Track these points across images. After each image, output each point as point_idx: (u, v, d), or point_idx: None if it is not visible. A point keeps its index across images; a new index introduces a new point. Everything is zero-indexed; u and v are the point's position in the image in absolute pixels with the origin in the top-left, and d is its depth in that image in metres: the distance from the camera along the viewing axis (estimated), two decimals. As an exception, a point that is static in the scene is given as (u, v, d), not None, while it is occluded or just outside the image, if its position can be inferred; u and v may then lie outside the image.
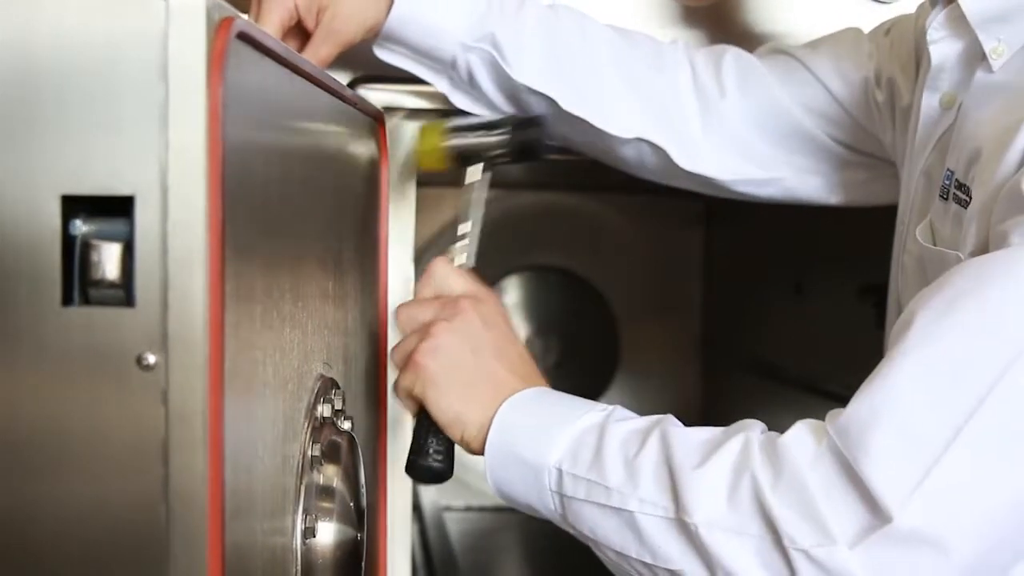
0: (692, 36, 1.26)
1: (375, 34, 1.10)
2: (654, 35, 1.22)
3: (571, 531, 0.91)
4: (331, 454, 0.84)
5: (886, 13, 1.26)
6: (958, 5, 0.92)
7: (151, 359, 0.59)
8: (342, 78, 1.15)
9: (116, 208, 0.59)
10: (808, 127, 1.16)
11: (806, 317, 1.84)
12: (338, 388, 0.89)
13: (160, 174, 0.59)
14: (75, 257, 0.60)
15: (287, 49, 0.76)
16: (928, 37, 0.97)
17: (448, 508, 2.12)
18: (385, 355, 1.11)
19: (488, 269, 2.25)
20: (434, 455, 1.00)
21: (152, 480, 0.59)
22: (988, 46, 0.91)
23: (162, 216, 0.59)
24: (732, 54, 1.18)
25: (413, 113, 1.22)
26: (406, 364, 0.98)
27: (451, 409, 0.96)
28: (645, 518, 0.84)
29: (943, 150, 0.95)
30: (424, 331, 0.98)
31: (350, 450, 0.87)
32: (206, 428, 0.59)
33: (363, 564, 0.87)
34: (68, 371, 0.60)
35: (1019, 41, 0.90)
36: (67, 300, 0.60)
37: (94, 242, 0.60)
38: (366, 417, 1.04)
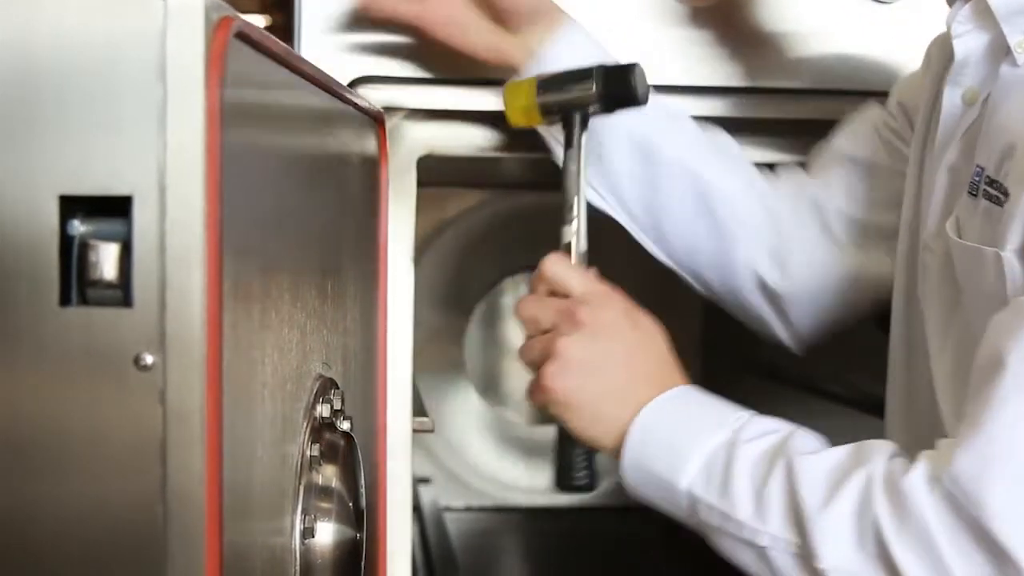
0: (694, 36, 1.26)
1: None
2: (655, 35, 1.22)
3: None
4: (330, 454, 0.84)
5: (886, 13, 1.26)
6: None
7: (149, 359, 0.59)
8: (342, 78, 1.15)
9: (114, 208, 0.59)
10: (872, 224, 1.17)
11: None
12: (337, 388, 0.89)
13: (158, 174, 0.59)
14: (73, 257, 0.60)
15: (286, 49, 0.76)
16: (952, 31, 0.96)
17: (448, 508, 2.12)
18: (385, 355, 1.11)
19: (488, 269, 2.26)
20: (578, 470, 1.03)
21: (150, 480, 0.59)
22: (1013, 40, 0.90)
23: (160, 216, 0.59)
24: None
25: (413, 113, 1.22)
26: (535, 388, 1.00)
27: (585, 432, 0.98)
28: (777, 554, 0.86)
29: (969, 146, 0.94)
30: (547, 346, 0.99)
31: (349, 450, 0.87)
32: (204, 428, 0.59)
33: (362, 564, 0.87)
34: (66, 371, 0.59)
35: None
36: (65, 300, 0.60)
37: (92, 242, 0.60)
38: (365, 417, 1.04)
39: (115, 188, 0.59)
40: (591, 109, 1.09)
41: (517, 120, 1.12)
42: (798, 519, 0.85)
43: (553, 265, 1.04)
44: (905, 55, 1.25)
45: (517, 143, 1.25)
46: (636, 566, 1.90)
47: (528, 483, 2.21)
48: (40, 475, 0.60)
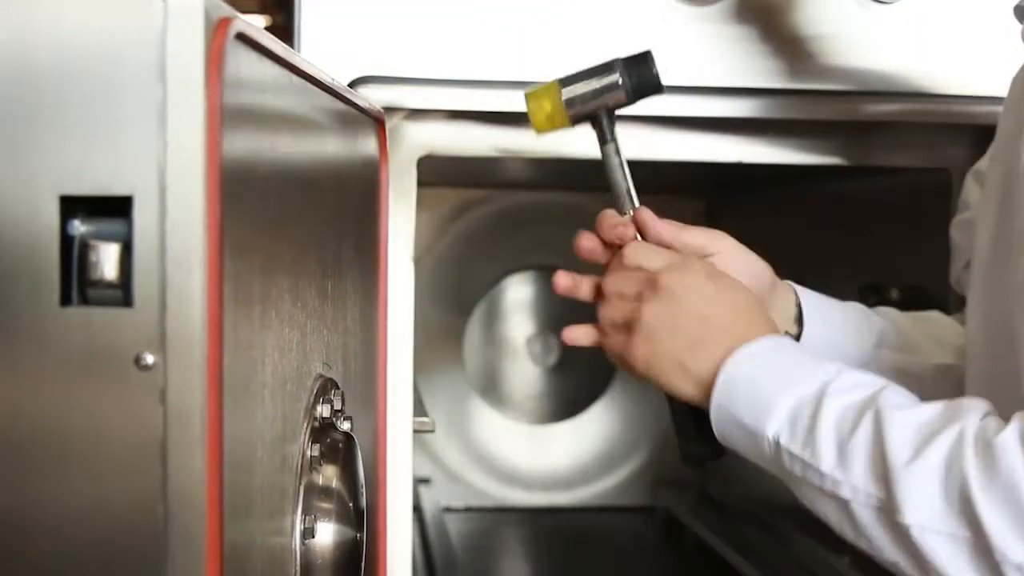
0: (694, 36, 1.26)
1: None
2: (656, 35, 1.22)
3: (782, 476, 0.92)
4: (330, 454, 0.84)
5: (886, 13, 1.26)
6: None
7: (149, 359, 0.59)
8: (343, 78, 1.15)
9: (114, 208, 0.59)
10: None
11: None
12: (337, 388, 0.89)
13: (158, 174, 0.59)
14: (73, 257, 0.60)
15: (286, 49, 0.76)
16: None
17: (449, 509, 2.12)
18: (385, 355, 1.11)
19: (488, 269, 2.26)
20: (696, 438, 1.02)
21: (150, 480, 0.59)
22: None
23: (160, 216, 0.59)
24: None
25: (413, 113, 1.22)
26: (625, 359, 1.00)
27: (678, 390, 0.98)
28: (859, 507, 0.85)
29: None
30: (632, 315, 0.99)
31: (349, 450, 0.87)
32: (204, 428, 0.59)
33: (363, 564, 0.87)
34: (66, 371, 0.60)
35: None
36: (65, 300, 0.60)
37: (92, 242, 0.60)
38: (366, 417, 1.04)
39: (115, 188, 0.59)
40: (619, 101, 1.09)
41: (543, 126, 1.10)
42: (883, 472, 0.83)
43: (636, 246, 1.03)
44: (905, 55, 1.25)
45: (517, 143, 1.25)
46: (636, 566, 1.90)
47: (528, 483, 2.21)
48: (40, 475, 0.60)
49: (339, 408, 0.87)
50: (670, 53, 1.25)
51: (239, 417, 0.65)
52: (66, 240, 0.60)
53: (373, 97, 1.14)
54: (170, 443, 0.59)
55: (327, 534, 0.81)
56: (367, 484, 0.91)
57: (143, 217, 0.59)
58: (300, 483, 0.79)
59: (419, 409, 1.25)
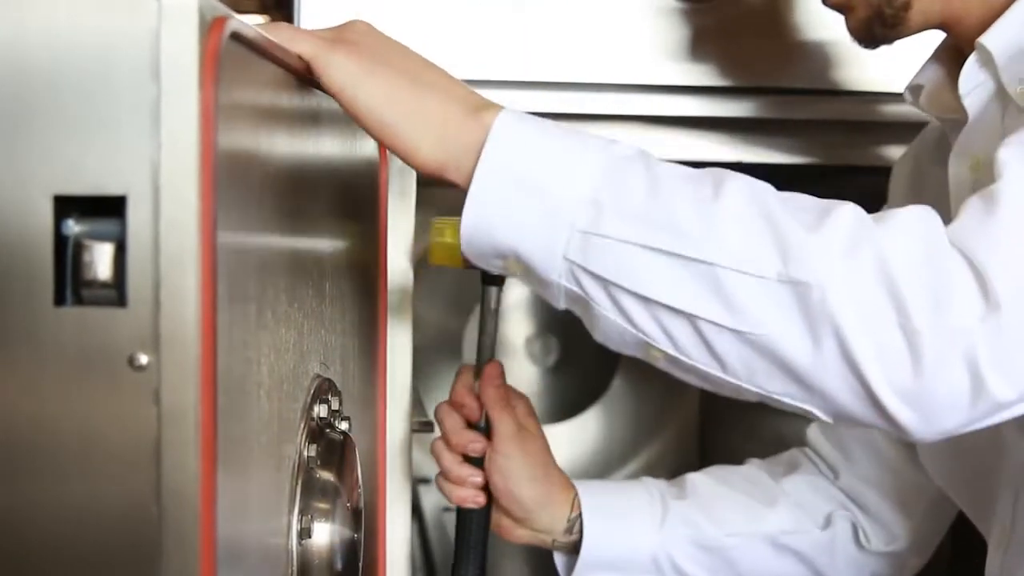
0: (693, 36, 1.26)
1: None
2: (655, 35, 1.22)
3: (572, 287, 0.74)
4: (328, 455, 0.84)
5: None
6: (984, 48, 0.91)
7: (143, 359, 0.59)
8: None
9: (108, 208, 0.59)
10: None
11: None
12: (335, 388, 0.89)
13: (152, 174, 0.59)
14: (67, 257, 0.60)
15: (283, 49, 0.76)
16: (961, 90, 0.94)
17: (448, 509, 2.11)
18: (385, 355, 1.10)
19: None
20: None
21: (144, 480, 0.59)
22: (1013, 88, 0.89)
23: (154, 216, 0.59)
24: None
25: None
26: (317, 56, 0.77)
27: (408, 123, 0.77)
28: (731, 274, 0.71)
29: None
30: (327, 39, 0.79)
31: (347, 451, 0.87)
32: (198, 428, 0.59)
33: (360, 565, 0.87)
34: (60, 371, 0.59)
35: None
36: (59, 300, 0.60)
37: (86, 242, 0.60)
38: (365, 417, 1.04)
39: (109, 188, 0.59)
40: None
41: (439, 259, 0.96)
42: (777, 238, 0.71)
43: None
44: (906, 55, 1.25)
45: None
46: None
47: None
48: (34, 475, 0.60)
49: (337, 408, 0.87)
50: (669, 52, 1.25)
51: (234, 417, 0.65)
52: (60, 240, 0.60)
53: (373, 96, 1.14)
54: (164, 443, 0.59)
55: (324, 534, 0.81)
56: (366, 484, 0.91)
57: (137, 217, 0.59)
58: (297, 483, 0.79)
59: (419, 409, 1.25)
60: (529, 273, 0.77)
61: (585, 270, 0.74)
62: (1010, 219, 0.74)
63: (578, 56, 1.24)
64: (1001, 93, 0.92)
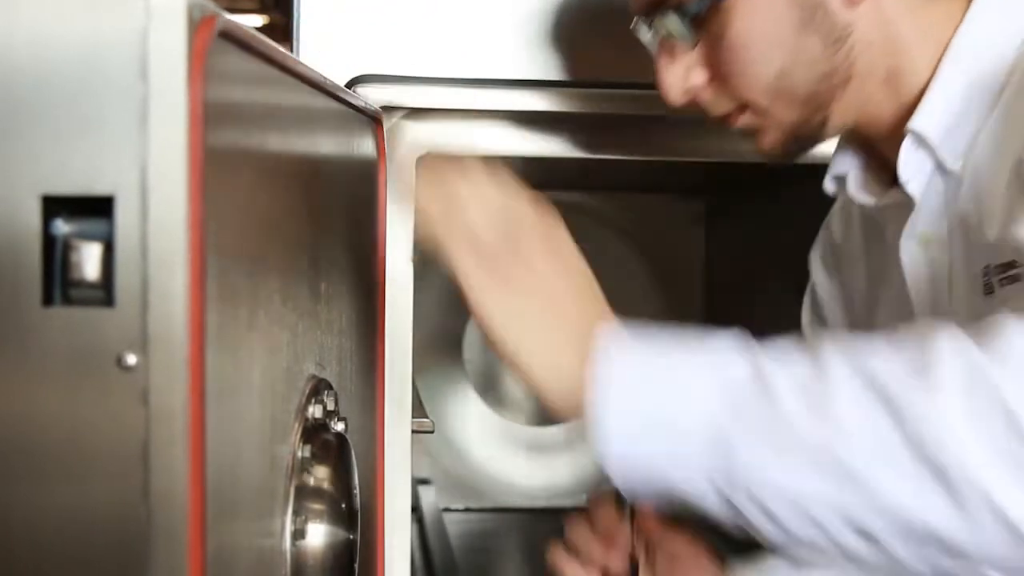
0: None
1: None
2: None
3: (723, 510, 0.76)
4: (323, 455, 0.83)
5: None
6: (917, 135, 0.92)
7: (131, 359, 0.59)
8: (342, 77, 1.15)
9: (96, 208, 0.59)
10: None
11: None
12: (331, 389, 0.88)
13: (140, 173, 0.58)
14: (56, 257, 0.60)
15: (275, 48, 0.76)
16: (901, 176, 0.93)
17: (448, 509, 2.11)
18: (383, 355, 1.10)
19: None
20: None
21: (132, 481, 0.59)
22: (952, 164, 0.91)
23: (142, 216, 0.59)
24: None
25: (413, 112, 1.22)
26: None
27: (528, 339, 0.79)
28: (866, 471, 0.71)
29: (954, 268, 0.92)
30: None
31: (343, 451, 0.87)
32: (187, 429, 0.59)
33: (356, 566, 0.87)
34: (48, 371, 0.59)
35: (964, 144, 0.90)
36: (48, 300, 0.60)
37: (74, 242, 0.59)
38: (364, 418, 1.04)
39: (97, 188, 0.59)
40: None
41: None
42: (892, 411, 0.70)
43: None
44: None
45: (516, 142, 1.25)
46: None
47: (528, 484, 2.20)
48: (21, 475, 0.59)
49: (332, 409, 0.87)
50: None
51: (224, 418, 0.65)
52: (48, 240, 0.60)
53: (372, 96, 1.14)
54: (152, 444, 0.59)
55: (319, 535, 0.81)
56: (365, 485, 0.91)
57: (125, 217, 0.59)
58: (291, 484, 0.79)
59: (418, 410, 1.25)
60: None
61: (725, 495, 0.75)
62: None
63: (578, 56, 1.24)
64: (941, 169, 0.93)
